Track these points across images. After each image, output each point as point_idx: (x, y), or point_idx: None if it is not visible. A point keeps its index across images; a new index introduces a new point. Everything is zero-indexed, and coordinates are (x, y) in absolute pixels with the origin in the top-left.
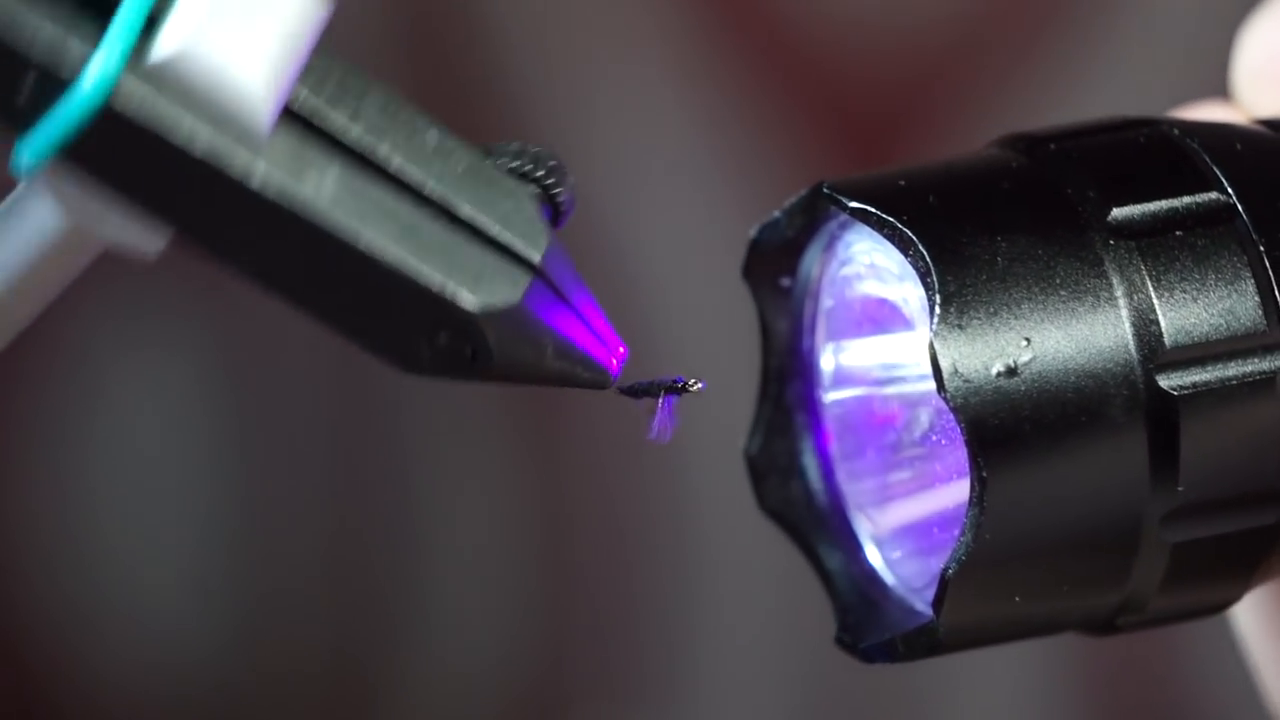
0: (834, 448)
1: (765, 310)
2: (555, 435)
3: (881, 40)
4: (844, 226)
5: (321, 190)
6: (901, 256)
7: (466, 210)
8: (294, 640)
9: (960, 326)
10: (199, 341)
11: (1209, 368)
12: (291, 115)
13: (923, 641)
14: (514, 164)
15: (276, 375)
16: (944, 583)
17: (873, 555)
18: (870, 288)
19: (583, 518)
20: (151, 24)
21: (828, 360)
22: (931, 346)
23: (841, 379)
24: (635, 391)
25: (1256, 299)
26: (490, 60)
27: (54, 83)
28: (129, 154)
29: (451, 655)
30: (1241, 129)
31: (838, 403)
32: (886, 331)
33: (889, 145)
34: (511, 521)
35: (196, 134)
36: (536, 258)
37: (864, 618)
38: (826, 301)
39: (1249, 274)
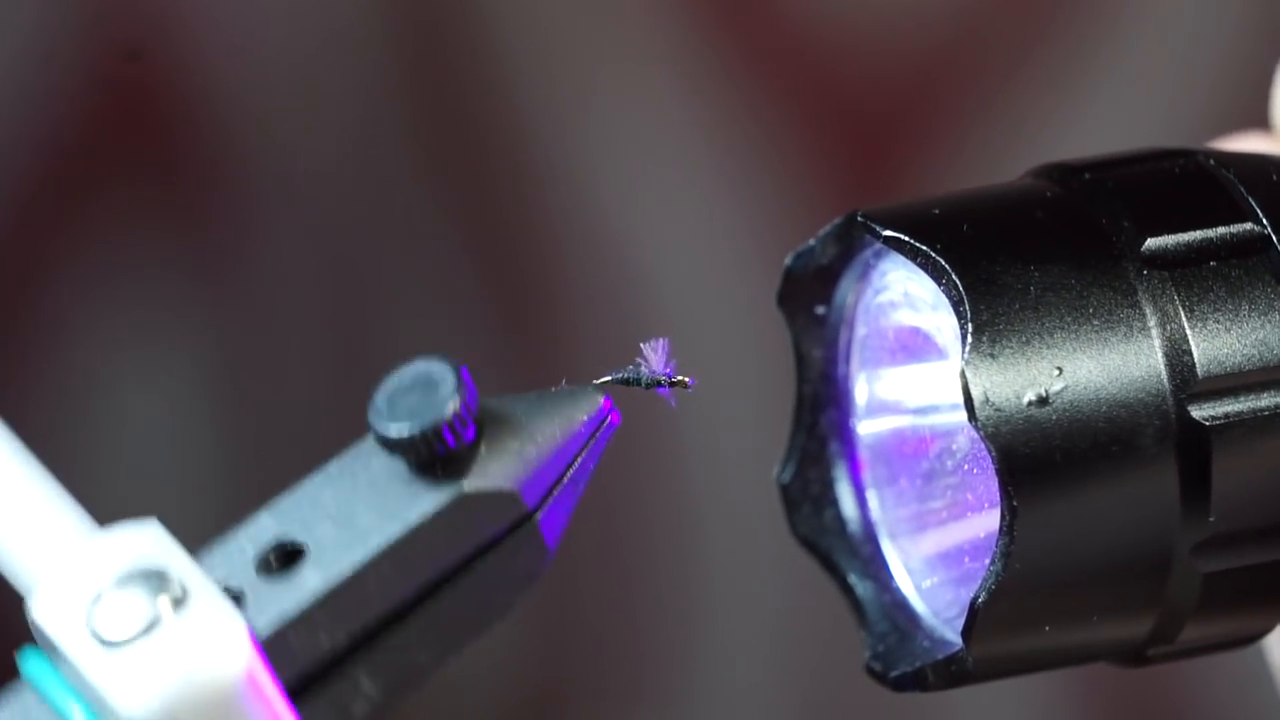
0: (866, 476)
1: (800, 338)
2: None
3: (885, 45)
4: (878, 255)
5: (373, 699)
6: (935, 285)
7: (450, 562)
8: None
9: (993, 355)
10: (199, 341)
11: (1241, 398)
12: (303, 686)
13: (952, 671)
14: (423, 457)
15: (277, 375)
16: (973, 612)
17: (904, 584)
18: (904, 316)
19: (583, 518)
20: None
21: (861, 389)
22: (963, 375)
23: (875, 408)
24: (626, 382)
25: None
26: (493, 69)
27: None
28: None
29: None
30: (1277, 160)
31: (871, 431)
32: (920, 360)
33: (893, 149)
34: None
35: None
36: (524, 510)
37: (894, 646)
38: (860, 330)
39: None
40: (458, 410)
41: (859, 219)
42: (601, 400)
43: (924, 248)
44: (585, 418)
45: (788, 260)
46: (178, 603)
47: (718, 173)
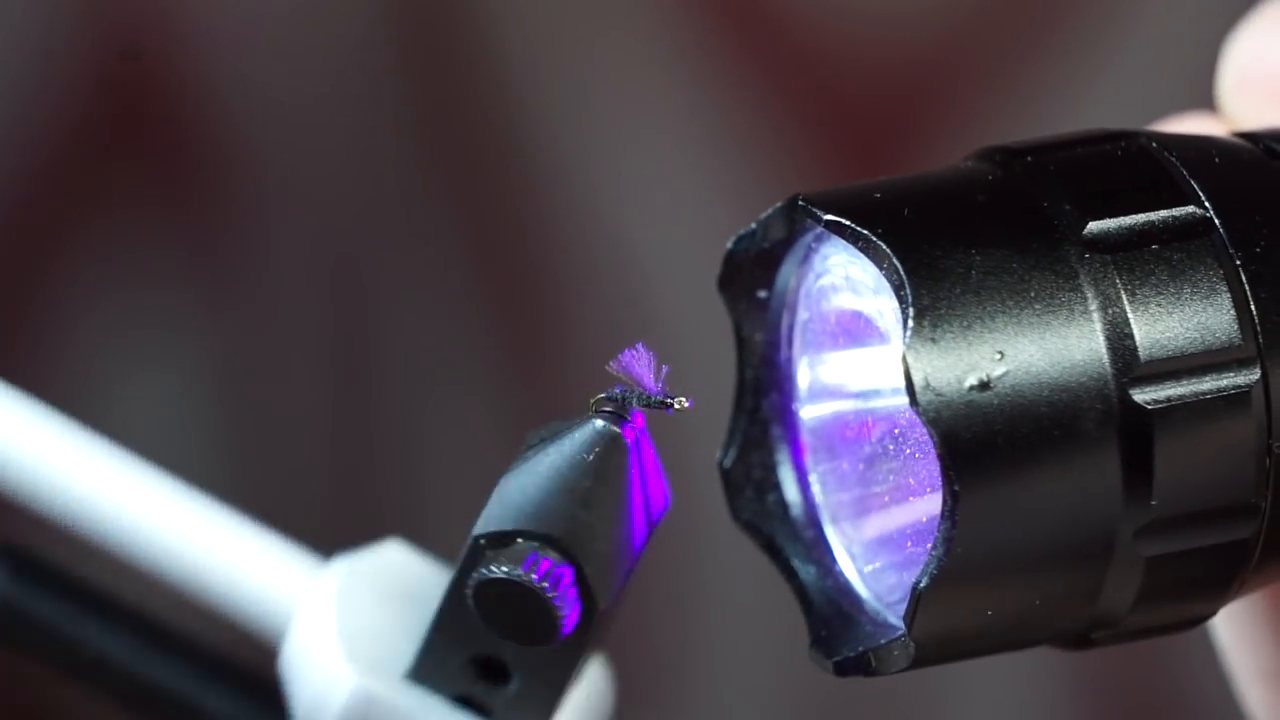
0: (809, 460)
1: (742, 322)
2: None
3: (882, 45)
4: (820, 239)
5: None
6: (876, 269)
7: None
8: None
9: (933, 340)
10: (199, 341)
11: (1183, 382)
12: None
13: (895, 655)
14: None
15: (277, 376)
16: (915, 596)
17: (847, 568)
18: (845, 300)
19: None
20: None
21: (804, 373)
22: (904, 359)
23: (817, 392)
24: (620, 404)
25: (1232, 313)
26: (493, 70)
27: None
28: None
29: None
30: (1220, 141)
31: (813, 416)
32: (861, 344)
33: (889, 149)
34: None
35: None
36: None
37: (838, 631)
38: (802, 314)
39: (1224, 288)
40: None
41: (800, 203)
42: (620, 435)
43: (865, 232)
44: (625, 464)
45: (729, 243)
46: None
47: (718, 173)
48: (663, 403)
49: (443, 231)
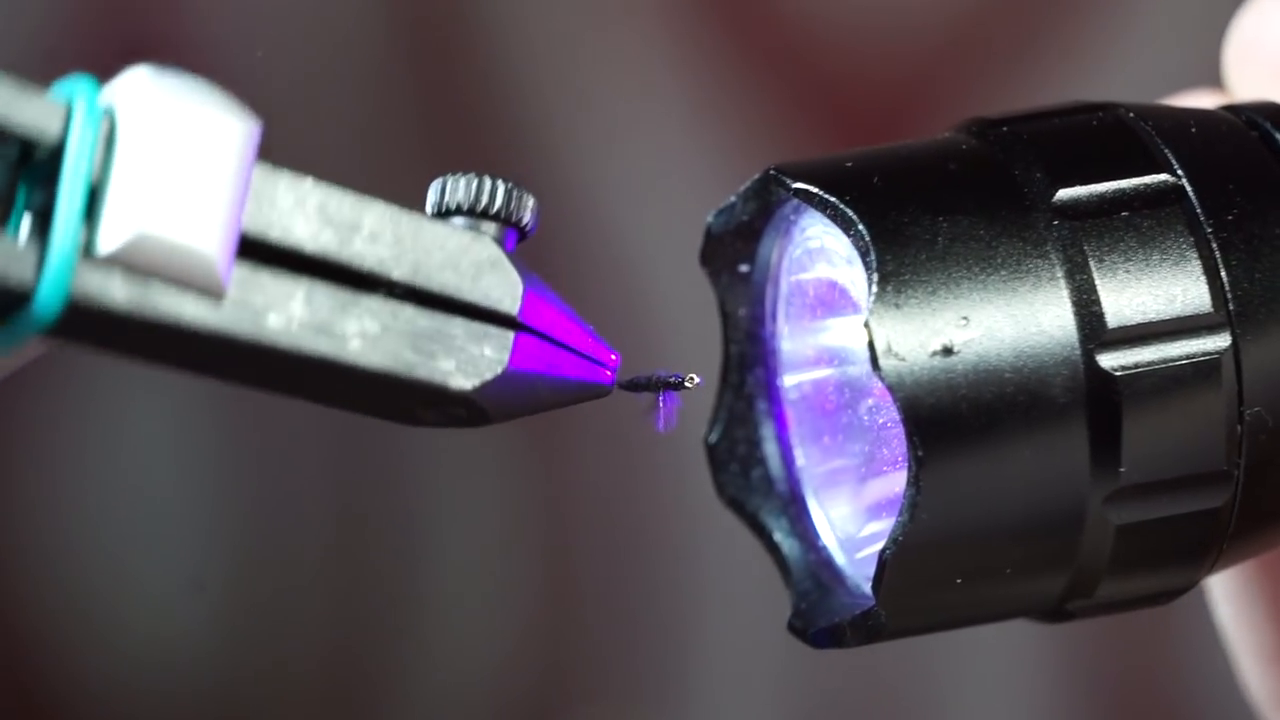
0: (793, 434)
1: (725, 297)
2: (554, 435)
3: (880, 37)
4: (798, 210)
5: (291, 323)
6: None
7: (435, 287)
8: (294, 641)
9: (897, 305)
10: None
11: (1152, 348)
12: (245, 249)
13: (867, 627)
14: (469, 204)
15: None
16: (881, 565)
17: (830, 542)
18: (822, 271)
19: (582, 518)
20: (92, 210)
21: (786, 345)
22: (867, 325)
23: (799, 364)
24: (635, 386)
25: (1202, 280)
26: (495, 69)
27: (11, 296)
28: (100, 329)
29: (451, 655)
30: (1200, 112)
31: (795, 388)
32: (838, 314)
33: (890, 140)
34: (511, 521)
35: (157, 307)
36: (514, 310)
37: (816, 604)
38: (784, 286)
39: (1195, 255)
40: (515, 192)
41: (772, 173)
42: (613, 353)
43: (832, 199)
44: (594, 343)
45: (708, 218)
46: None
47: (716, 165)
48: (677, 382)
49: None
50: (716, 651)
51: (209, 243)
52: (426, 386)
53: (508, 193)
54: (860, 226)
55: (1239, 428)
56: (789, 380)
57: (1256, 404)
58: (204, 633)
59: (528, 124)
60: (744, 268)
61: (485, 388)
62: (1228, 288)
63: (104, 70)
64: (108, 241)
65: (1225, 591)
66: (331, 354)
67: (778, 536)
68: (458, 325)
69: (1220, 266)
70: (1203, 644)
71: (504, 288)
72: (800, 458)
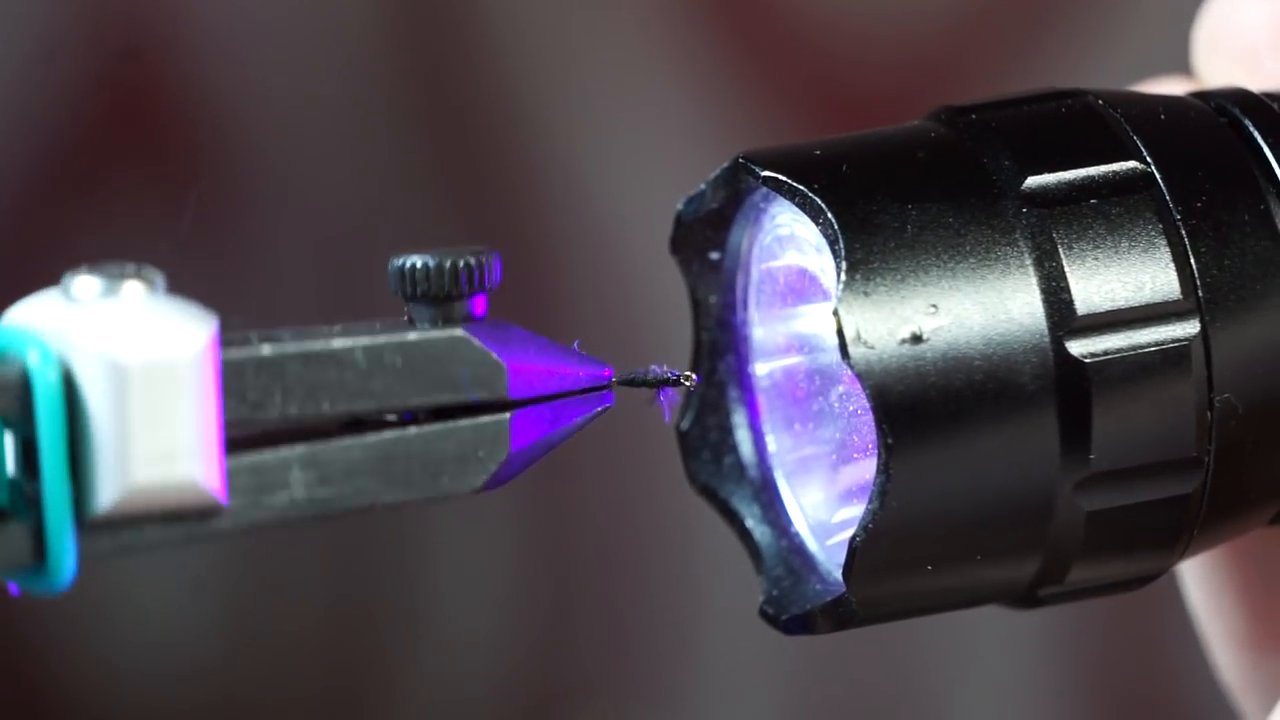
0: (764, 421)
1: (696, 284)
2: None
3: (879, 37)
4: (767, 198)
5: (294, 494)
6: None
7: (425, 403)
8: (294, 641)
9: (866, 293)
10: None
11: (1121, 334)
12: (233, 444)
13: (838, 613)
14: (432, 291)
15: None
16: (852, 551)
17: (801, 529)
18: (792, 258)
19: (582, 518)
20: (74, 469)
21: (757, 333)
22: (836, 314)
23: (770, 351)
24: (632, 383)
25: (1171, 267)
26: (493, 68)
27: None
28: (117, 556)
29: (451, 656)
30: (1169, 99)
31: (767, 375)
32: (808, 302)
33: None
34: (511, 521)
35: (164, 536)
36: (504, 393)
37: (788, 591)
38: (754, 274)
39: (1164, 242)
40: (475, 263)
41: (740, 160)
42: (605, 369)
43: (800, 188)
44: (585, 371)
45: (679, 206)
46: (151, 285)
47: (712, 164)
48: (675, 380)
49: (444, 231)
50: (716, 651)
51: (198, 469)
52: (440, 499)
53: (469, 269)
54: (829, 214)
55: (1209, 414)
56: (760, 368)
57: (1226, 390)
58: (204, 633)
59: (523, 120)
60: (714, 255)
61: (492, 479)
62: (1197, 275)
63: (104, 70)
64: (99, 502)
65: (1196, 577)
66: (340, 506)
67: (750, 523)
68: (454, 434)
69: (1189, 254)
70: (1202, 644)
71: (489, 379)
72: (772, 444)
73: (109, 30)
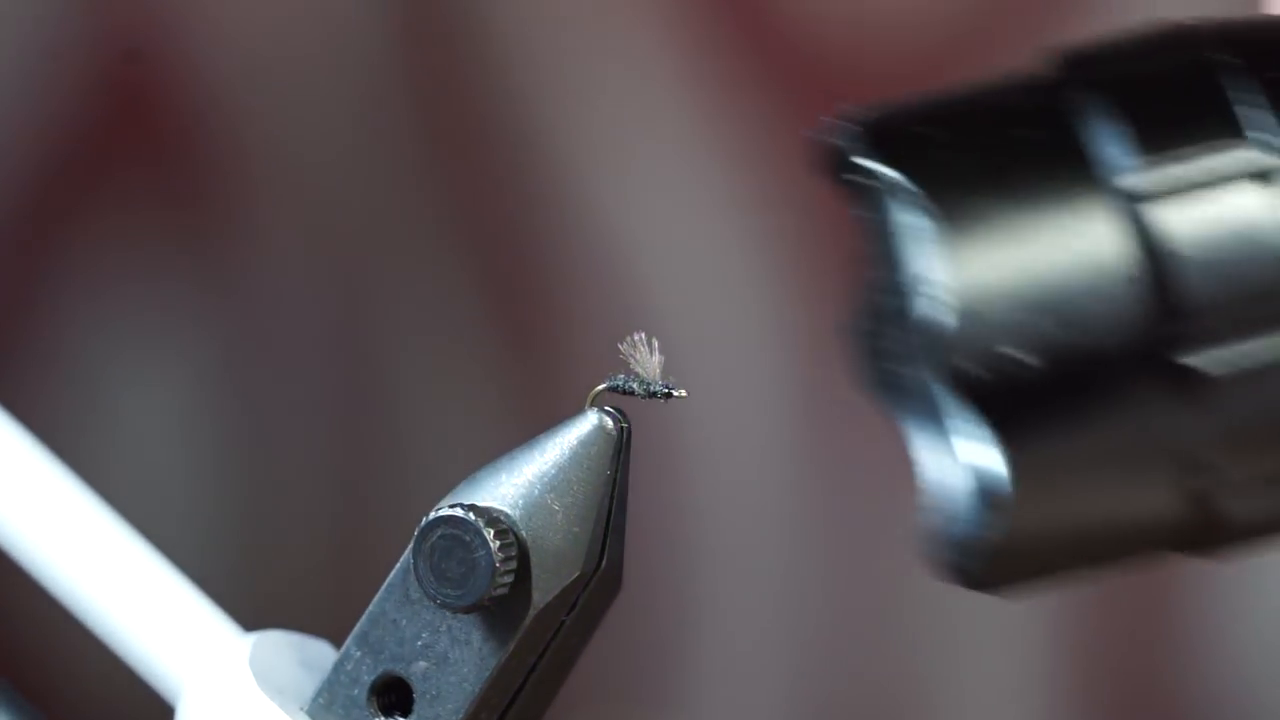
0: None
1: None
2: None
3: (885, 36)
4: None
5: None
6: None
7: None
8: None
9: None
10: (198, 343)
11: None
12: None
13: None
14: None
15: (278, 374)
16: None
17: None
18: None
19: None
20: None
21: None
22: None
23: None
24: (620, 392)
25: None
26: (495, 70)
27: None
28: None
29: None
30: None
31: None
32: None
33: None
34: None
35: None
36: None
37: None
38: None
39: None
40: (499, 569)
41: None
42: (610, 426)
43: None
44: (607, 455)
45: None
46: None
47: (721, 177)
48: (663, 392)
49: (444, 232)
50: (716, 651)
51: None
52: None
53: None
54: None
55: None
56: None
57: None
58: None
59: (524, 121)
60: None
61: None
62: None
63: (104, 71)
64: None
65: None
66: None
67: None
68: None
69: None
70: (1202, 645)
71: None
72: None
73: (111, 31)
